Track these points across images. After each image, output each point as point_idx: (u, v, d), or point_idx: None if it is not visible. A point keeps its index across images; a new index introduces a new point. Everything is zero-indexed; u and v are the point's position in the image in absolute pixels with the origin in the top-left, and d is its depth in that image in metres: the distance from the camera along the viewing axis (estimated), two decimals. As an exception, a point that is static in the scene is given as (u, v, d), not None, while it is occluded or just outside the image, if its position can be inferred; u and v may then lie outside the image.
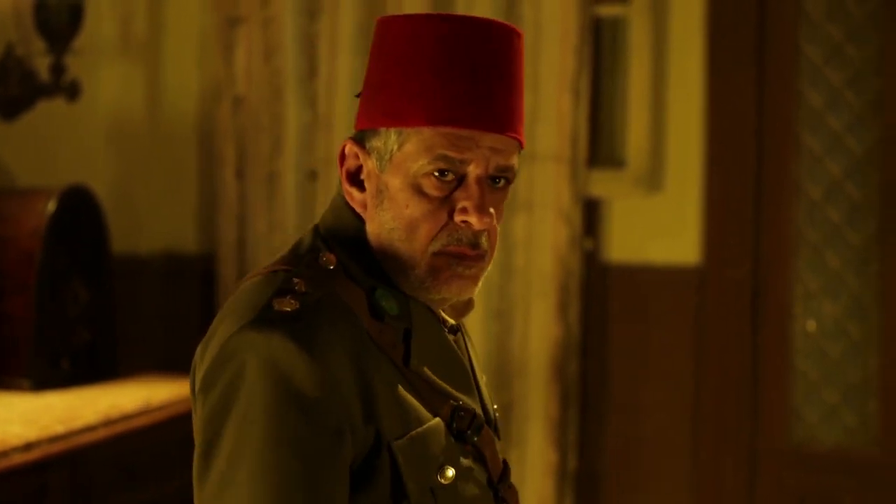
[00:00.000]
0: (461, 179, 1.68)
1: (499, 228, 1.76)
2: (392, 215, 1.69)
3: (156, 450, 3.90)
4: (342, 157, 1.75)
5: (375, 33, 1.72)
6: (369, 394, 1.59)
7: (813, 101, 4.30)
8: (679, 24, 4.32)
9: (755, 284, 4.30)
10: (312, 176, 4.45)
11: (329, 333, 1.58)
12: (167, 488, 3.93)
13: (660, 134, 4.33)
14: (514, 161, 1.73)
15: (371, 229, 1.72)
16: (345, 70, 4.38)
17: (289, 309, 1.58)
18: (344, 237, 1.73)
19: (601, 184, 4.34)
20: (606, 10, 4.36)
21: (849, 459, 4.27)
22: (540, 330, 4.29)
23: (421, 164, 1.66)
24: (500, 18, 4.24)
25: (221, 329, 1.60)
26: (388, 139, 1.68)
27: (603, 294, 4.40)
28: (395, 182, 1.68)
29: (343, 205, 1.75)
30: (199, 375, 1.61)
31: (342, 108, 4.38)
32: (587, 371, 4.38)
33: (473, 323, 4.31)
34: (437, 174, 1.66)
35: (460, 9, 4.32)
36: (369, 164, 1.70)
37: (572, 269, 4.28)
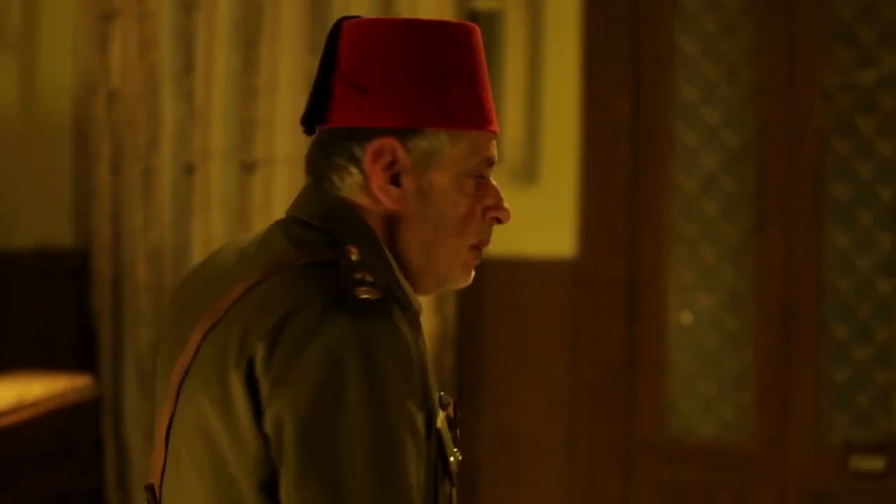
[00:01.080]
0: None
1: None
2: (439, 212, 1.75)
3: (29, 446, 3.88)
4: (378, 153, 1.73)
5: (403, 36, 1.73)
6: (424, 378, 1.67)
7: (688, 94, 4.32)
8: (555, 18, 4.33)
9: (630, 278, 4.32)
10: (189, 170, 4.42)
11: (405, 320, 1.66)
12: (40, 483, 3.92)
13: (535, 128, 4.34)
14: None
15: (409, 224, 1.76)
16: (221, 64, 4.36)
17: (375, 297, 1.62)
18: (354, 231, 1.73)
19: (477, 177, 4.33)
20: (482, 4, 4.37)
21: (724, 452, 4.29)
22: (416, 324, 4.28)
23: (472, 165, 1.77)
24: (377, 11, 4.25)
25: (305, 319, 1.60)
26: (436, 139, 1.73)
27: (478, 287, 4.38)
28: (442, 180, 1.75)
29: (344, 201, 1.74)
30: (290, 366, 1.58)
31: (219, 102, 4.36)
32: (462, 364, 4.38)
33: (350, 317, 4.30)
34: (479, 175, 1.79)
35: (337, 5, 4.31)
36: (407, 162, 1.73)
37: (448, 262, 4.26)
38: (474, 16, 4.36)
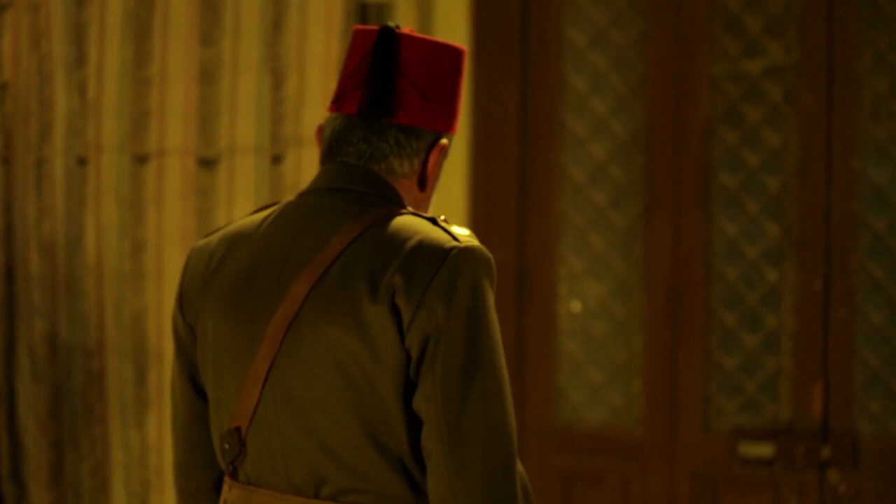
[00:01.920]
0: None
1: None
2: (432, 199, 2.21)
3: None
4: (441, 151, 2.17)
5: (454, 61, 2.15)
6: None
7: (577, 84, 4.36)
8: (444, 9, 4.36)
9: (520, 267, 4.35)
10: (82, 162, 4.42)
11: None
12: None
13: (425, 118, 4.36)
14: None
15: (424, 204, 2.22)
16: (114, 57, 4.37)
17: (469, 233, 2.07)
18: (395, 200, 2.12)
19: (367, 168, 4.35)
20: (373, -4, 4.40)
21: (613, 438, 4.33)
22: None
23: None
24: (266, 4, 4.26)
25: (430, 252, 2.00)
26: (451, 141, 2.20)
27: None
28: (439, 174, 2.21)
29: (387, 180, 2.13)
30: (450, 289, 1.97)
31: (111, 94, 4.37)
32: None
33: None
34: None
35: (230, -6, 4.33)
36: (439, 158, 2.17)
37: (340, 252, 4.29)
38: (363, 8, 4.38)
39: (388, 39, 2.11)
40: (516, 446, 1.99)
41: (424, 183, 2.18)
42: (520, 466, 2.02)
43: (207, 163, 4.36)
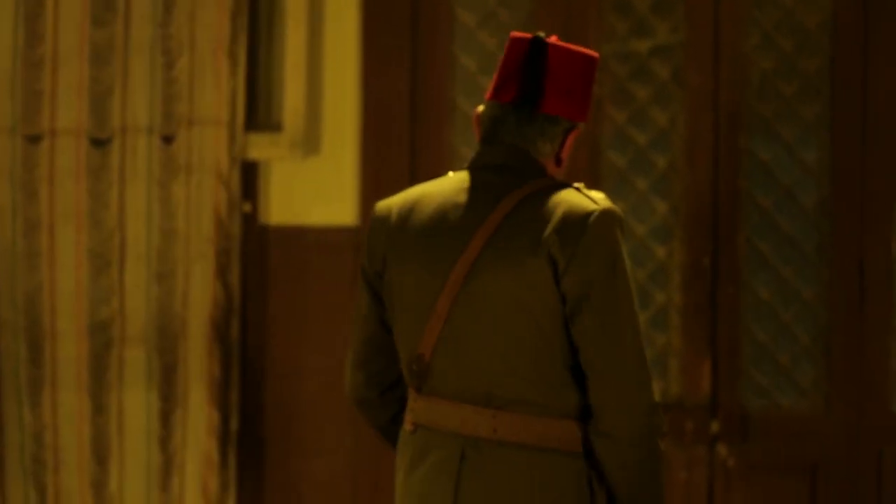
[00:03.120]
0: None
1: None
2: (563, 172, 2.65)
3: None
4: (575, 136, 2.63)
5: (588, 65, 2.64)
6: None
7: (468, 64, 4.41)
8: (336, -12, 4.41)
9: (412, 245, 4.40)
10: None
11: None
12: None
13: (316, 98, 4.41)
14: None
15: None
16: (5, 38, 4.39)
17: (603, 196, 2.51)
18: (543, 174, 2.59)
19: (259, 147, 4.40)
20: (264, -26, 4.44)
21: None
22: (200, 293, 4.35)
23: None
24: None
25: (580, 215, 2.47)
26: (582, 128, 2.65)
27: (262, 257, 4.47)
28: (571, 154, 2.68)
29: (534, 157, 2.59)
30: (594, 241, 2.46)
31: (2, 75, 4.39)
32: (247, 333, 4.44)
33: (134, 287, 4.36)
34: None
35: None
36: (573, 142, 2.63)
37: (232, 232, 4.34)
38: (253, -12, 4.42)
39: (539, 46, 2.63)
40: None
41: (560, 161, 2.64)
42: None
43: (100, 143, 4.39)
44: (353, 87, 4.40)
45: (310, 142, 4.39)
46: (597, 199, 2.52)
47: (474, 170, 2.61)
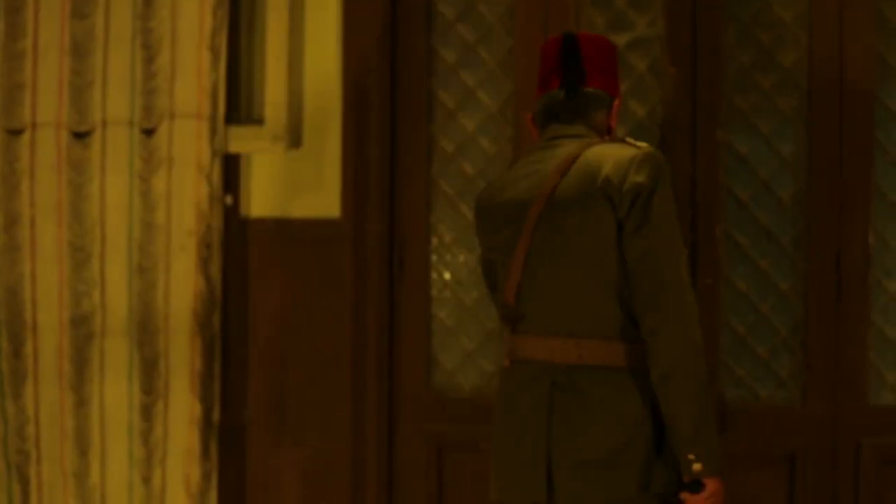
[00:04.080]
0: None
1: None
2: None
3: None
4: (618, 106, 3.11)
5: (613, 48, 3.11)
6: None
7: (447, 57, 4.43)
8: (315, -20, 4.43)
9: (393, 237, 4.42)
10: None
11: None
12: None
13: (297, 91, 4.42)
14: None
15: None
16: None
17: (647, 145, 2.95)
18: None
19: (240, 140, 4.41)
20: (244, -32, 4.45)
21: (485, 404, 4.39)
22: (182, 285, 4.36)
23: None
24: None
25: (628, 158, 2.88)
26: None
27: (243, 249, 4.48)
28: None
29: (589, 126, 3.05)
30: (640, 176, 2.86)
31: None
32: (229, 325, 4.46)
33: (116, 280, 4.37)
34: None
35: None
36: (616, 111, 3.12)
37: (213, 224, 4.35)
38: (235, -19, 4.43)
39: (572, 38, 3.06)
40: None
41: (610, 129, 3.09)
42: None
43: (80, 136, 4.39)
44: (333, 80, 4.41)
45: (291, 135, 4.40)
46: (641, 146, 2.95)
47: (544, 143, 3.05)
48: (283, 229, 4.44)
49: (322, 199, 4.43)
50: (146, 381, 4.39)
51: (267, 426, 4.49)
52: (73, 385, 4.41)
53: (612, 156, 2.92)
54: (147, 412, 4.40)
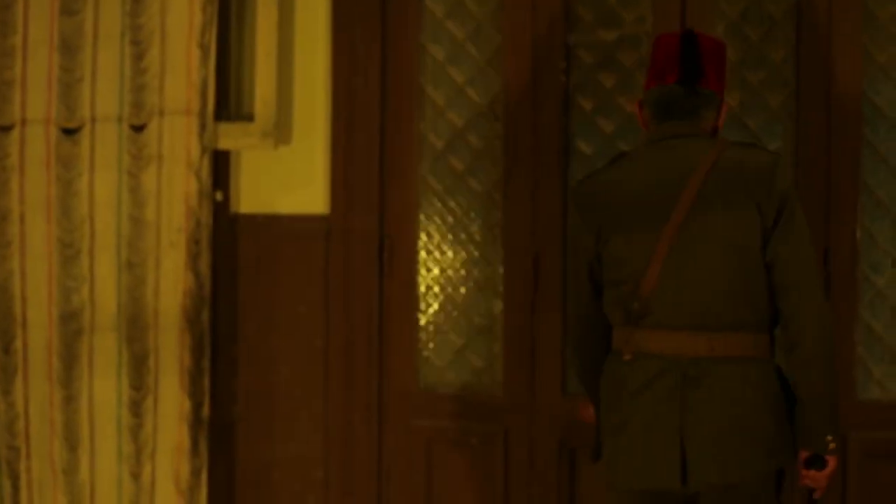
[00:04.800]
0: None
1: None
2: None
3: None
4: (725, 108, 3.30)
5: (724, 50, 3.27)
6: None
7: (436, 53, 4.44)
8: (305, -22, 4.43)
9: (382, 233, 4.43)
10: None
11: None
12: None
13: (286, 88, 4.43)
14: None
15: None
16: None
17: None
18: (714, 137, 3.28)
19: (229, 137, 4.42)
20: (233, -35, 4.45)
21: (474, 399, 4.41)
22: (171, 282, 4.37)
23: None
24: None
25: (767, 162, 3.13)
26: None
27: (232, 245, 4.49)
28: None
29: (703, 126, 3.23)
30: (784, 183, 3.12)
31: None
32: (218, 321, 4.47)
33: (105, 276, 4.38)
34: None
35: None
36: (725, 112, 3.32)
37: (202, 220, 4.36)
38: (224, -21, 4.44)
39: (693, 36, 3.19)
40: None
41: (717, 130, 3.23)
42: None
43: (70, 132, 4.40)
44: (322, 76, 4.42)
45: (280, 131, 4.41)
46: (770, 150, 3.33)
47: (661, 140, 3.18)
48: (271, 225, 4.45)
49: (311, 196, 4.44)
50: (135, 377, 4.40)
51: (256, 422, 4.49)
52: (63, 381, 4.42)
53: (751, 160, 3.13)
54: (136, 408, 4.41)
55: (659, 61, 3.21)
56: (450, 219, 4.43)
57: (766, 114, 4.33)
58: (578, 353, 3.40)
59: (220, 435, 4.48)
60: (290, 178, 4.44)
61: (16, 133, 4.39)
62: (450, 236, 4.44)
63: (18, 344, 4.43)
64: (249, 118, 4.42)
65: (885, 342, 4.29)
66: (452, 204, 4.42)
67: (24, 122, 4.39)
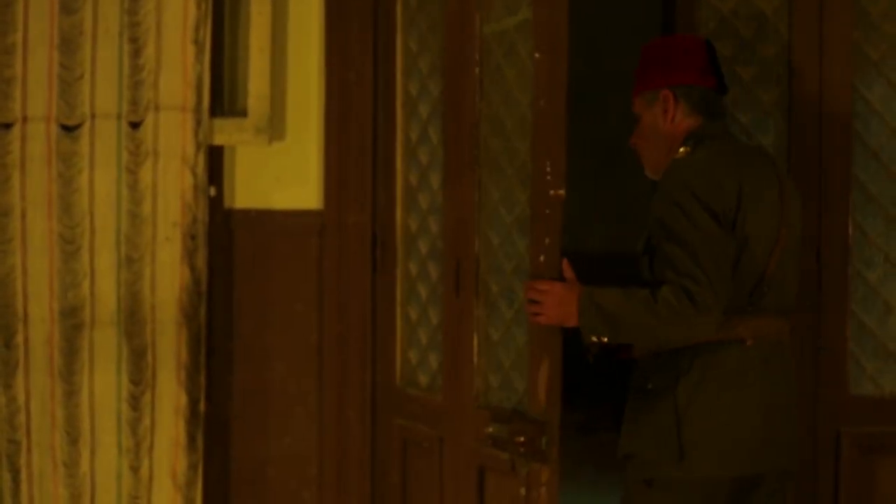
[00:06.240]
0: None
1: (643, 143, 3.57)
2: None
3: None
4: None
5: None
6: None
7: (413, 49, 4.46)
8: (299, -25, 4.48)
9: (375, 229, 4.45)
10: None
11: None
12: None
13: (280, 84, 4.48)
14: (638, 108, 3.53)
15: None
16: None
17: None
18: None
19: (224, 133, 4.46)
20: (227, -39, 4.51)
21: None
22: (168, 276, 4.42)
23: None
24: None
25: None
26: None
27: (227, 241, 4.53)
28: None
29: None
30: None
31: None
32: (214, 316, 4.50)
33: (105, 271, 4.43)
34: None
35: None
36: None
37: (198, 216, 4.41)
38: (219, -22, 4.49)
39: (713, 47, 3.54)
40: None
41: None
42: None
43: (69, 129, 4.46)
44: (316, 73, 4.47)
45: (274, 127, 4.46)
46: None
47: (728, 136, 3.51)
48: (265, 220, 4.49)
49: (304, 191, 4.48)
50: (135, 371, 4.44)
51: (251, 418, 4.52)
52: (63, 375, 4.47)
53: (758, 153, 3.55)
54: (136, 402, 4.45)
55: (693, 63, 3.45)
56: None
57: (757, 109, 4.33)
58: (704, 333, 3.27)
59: (216, 430, 4.51)
60: (284, 173, 4.49)
61: (16, 130, 4.46)
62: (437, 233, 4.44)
63: (20, 338, 4.48)
64: (243, 114, 4.48)
65: (877, 338, 4.27)
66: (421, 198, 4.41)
67: (24, 119, 4.46)
